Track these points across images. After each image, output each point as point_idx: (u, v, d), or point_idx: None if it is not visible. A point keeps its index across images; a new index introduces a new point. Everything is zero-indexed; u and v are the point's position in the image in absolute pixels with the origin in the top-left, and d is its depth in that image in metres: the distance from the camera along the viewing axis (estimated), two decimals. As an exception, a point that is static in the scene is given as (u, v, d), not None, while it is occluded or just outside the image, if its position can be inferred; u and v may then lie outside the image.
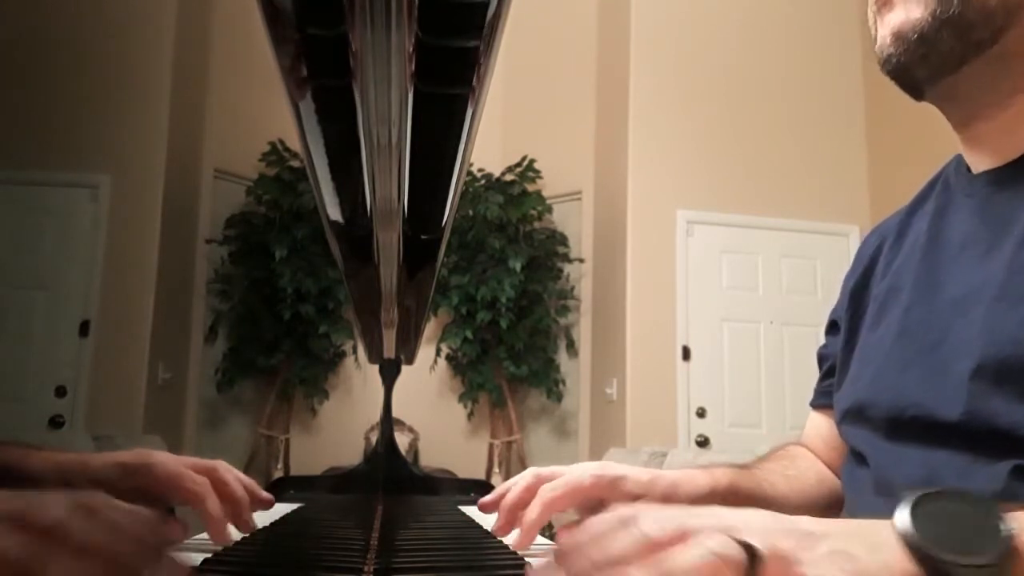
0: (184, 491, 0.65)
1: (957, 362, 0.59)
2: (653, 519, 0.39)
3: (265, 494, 0.70)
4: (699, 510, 0.40)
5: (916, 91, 0.65)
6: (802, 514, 0.41)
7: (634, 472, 0.71)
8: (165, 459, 0.66)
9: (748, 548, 0.36)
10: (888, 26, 0.62)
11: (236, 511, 0.68)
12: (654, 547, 0.37)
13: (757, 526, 0.38)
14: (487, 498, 0.72)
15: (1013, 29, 0.58)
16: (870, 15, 0.65)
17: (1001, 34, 0.59)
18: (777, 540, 0.37)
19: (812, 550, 0.37)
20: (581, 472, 0.71)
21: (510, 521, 0.71)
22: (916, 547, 0.36)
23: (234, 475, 0.69)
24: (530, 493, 0.70)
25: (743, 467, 0.81)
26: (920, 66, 0.62)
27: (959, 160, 0.70)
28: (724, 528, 0.38)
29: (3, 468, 0.62)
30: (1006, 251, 0.59)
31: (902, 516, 0.38)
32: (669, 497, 0.71)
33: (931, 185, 0.75)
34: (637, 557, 0.37)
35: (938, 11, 0.59)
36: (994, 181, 0.64)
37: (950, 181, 0.71)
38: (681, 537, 0.37)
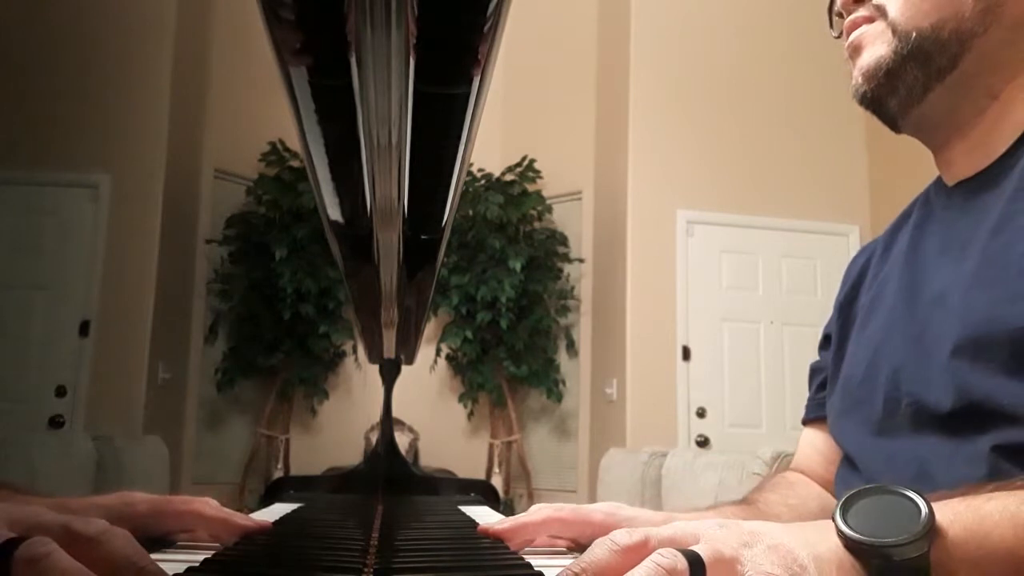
0: (175, 514, 0.64)
1: (939, 348, 0.63)
2: (625, 530, 0.43)
3: (264, 521, 0.69)
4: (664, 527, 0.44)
5: (892, 123, 0.73)
6: None
7: (647, 515, 0.70)
8: (145, 495, 0.66)
9: (692, 557, 0.39)
10: (859, 68, 0.71)
11: (230, 525, 0.66)
12: (623, 553, 0.41)
13: (710, 533, 0.42)
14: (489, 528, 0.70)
15: (968, 54, 0.66)
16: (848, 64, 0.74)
17: (958, 60, 0.66)
18: (724, 544, 0.41)
19: (752, 547, 0.41)
20: (593, 507, 0.71)
21: (510, 527, 0.69)
22: (846, 536, 0.41)
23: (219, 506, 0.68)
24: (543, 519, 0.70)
25: (746, 502, 0.81)
26: (890, 97, 0.70)
27: (939, 179, 0.76)
28: (682, 536, 0.42)
29: None
30: (979, 243, 0.64)
31: (836, 513, 0.43)
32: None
33: (913, 203, 0.80)
34: (608, 563, 0.41)
35: (899, 47, 0.68)
36: (968, 190, 0.69)
37: (930, 197, 0.76)
38: (645, 544, 0.42)
